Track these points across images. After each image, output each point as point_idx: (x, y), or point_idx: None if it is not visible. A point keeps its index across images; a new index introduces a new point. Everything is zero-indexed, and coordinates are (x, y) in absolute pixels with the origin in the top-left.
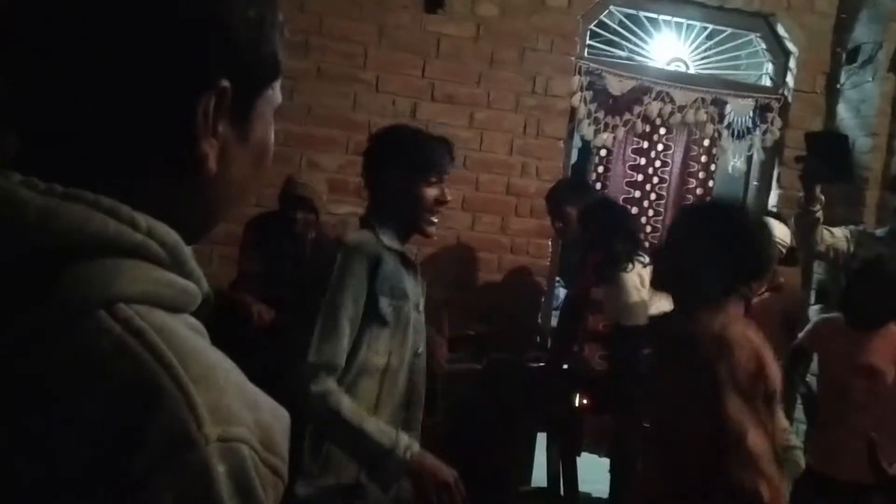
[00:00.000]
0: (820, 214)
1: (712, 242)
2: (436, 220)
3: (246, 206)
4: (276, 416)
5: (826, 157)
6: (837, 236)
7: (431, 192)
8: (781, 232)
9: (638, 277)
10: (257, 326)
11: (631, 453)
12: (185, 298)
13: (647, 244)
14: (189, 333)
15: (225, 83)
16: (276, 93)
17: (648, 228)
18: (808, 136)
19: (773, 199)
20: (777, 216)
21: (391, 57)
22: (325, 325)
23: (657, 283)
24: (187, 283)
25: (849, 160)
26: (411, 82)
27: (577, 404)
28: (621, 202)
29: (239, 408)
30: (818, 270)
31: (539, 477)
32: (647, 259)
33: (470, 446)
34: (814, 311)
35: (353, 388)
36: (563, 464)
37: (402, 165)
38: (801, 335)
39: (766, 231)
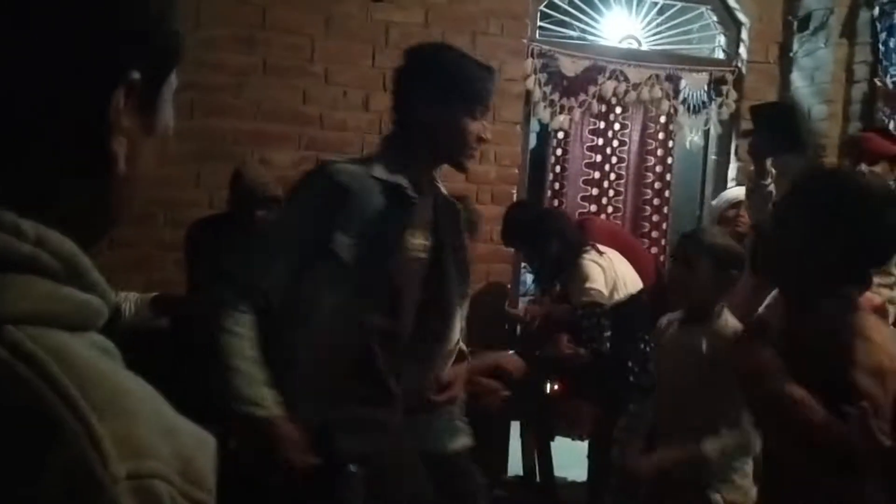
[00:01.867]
0: (772, 188)
1: (836, 222)
2: (475, 156)
3: (200, 208)
4: (200, 443)
5: (775, 129)
6: None
7: (476, 127)
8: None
9: (594, 264)
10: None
11: (611, 438)
12: (87, 314)
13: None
14: (92, 354)
15: (136, 75)
16: (174, 76)
17: (610, 209)
18: (753, 109)
19: (732, 172)
20: None
21: (340, 48)
22: (259, 244)
23: (764, 272)
24: (89, 297)
25: (799, 129)
26: (362, 73)
27: (549, 390)
28: (580, 183)
29: (152, 438)
30: None
31: (515, 465)
32: (594, 246)
33: None
34: None
35: (306, 325)
36: (538, 451)
37: (448, 95)
38: (762, 308)
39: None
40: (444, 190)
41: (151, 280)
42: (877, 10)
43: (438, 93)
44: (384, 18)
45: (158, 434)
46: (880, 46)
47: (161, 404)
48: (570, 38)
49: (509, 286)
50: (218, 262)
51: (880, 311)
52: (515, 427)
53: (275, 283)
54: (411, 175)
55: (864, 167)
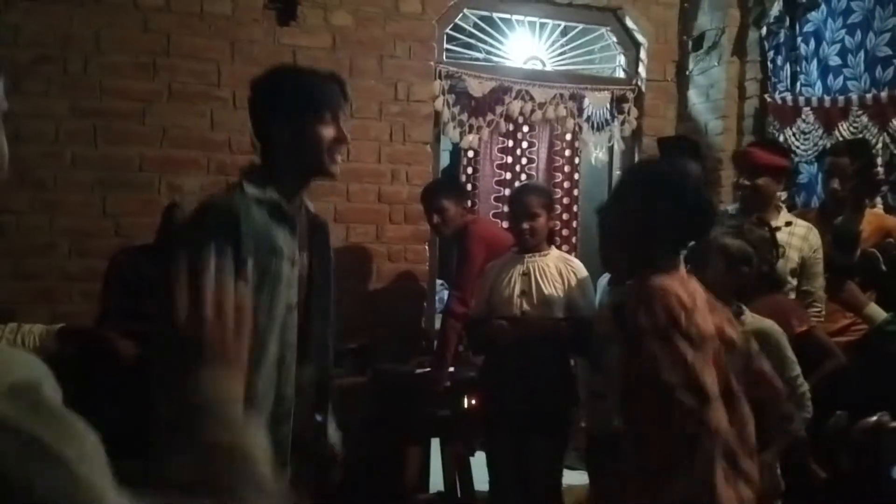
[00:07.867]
0: None
1: (664, 206)
2: (339, 160)
3: (106, 238)
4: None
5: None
6: None
7: (328, 132)
8: None
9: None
10: (122, 361)
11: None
12: None
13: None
14: None
15: None
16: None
17: None
18: (660, 141)
19: None
20: None
21: (246, 72)
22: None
23: (604, 259)
24: None
25: (703, 162)
26: None
27: (466, 405)
28: (492, 200)
29: None
30: None
31: (436, 482)
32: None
33: (363, 460)
34: None
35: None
36: (458, 466)
37: (290, 107)
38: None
39: (705, 190)
40: (312, 209)
41: (56, 312)
42: (764, 30)
43: (283, 109)
44: (291, 43)
45: None
46: (769, 64)
47: None
48: (477, 59)
49: (425, 304)
50: (136, 295)
51: None
52: (436, 443)
53: None
54: (282, 192)
55: (743, 181)
